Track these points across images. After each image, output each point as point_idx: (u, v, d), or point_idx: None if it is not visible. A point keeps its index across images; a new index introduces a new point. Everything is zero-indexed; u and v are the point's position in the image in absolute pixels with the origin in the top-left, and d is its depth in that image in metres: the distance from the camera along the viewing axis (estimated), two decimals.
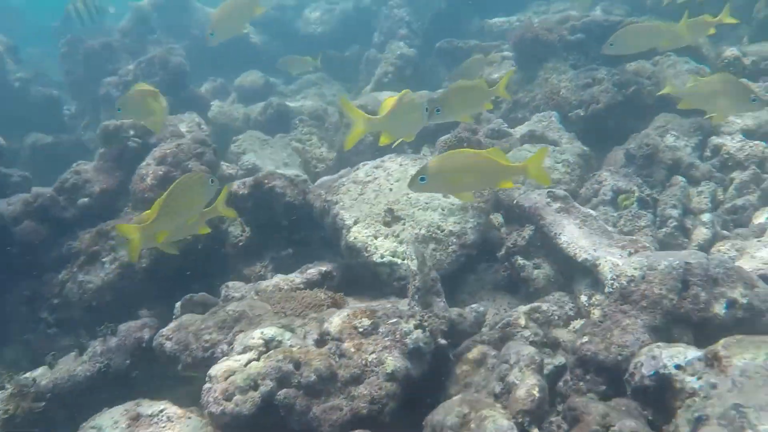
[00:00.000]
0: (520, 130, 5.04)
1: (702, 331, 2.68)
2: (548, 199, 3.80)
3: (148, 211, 2.90)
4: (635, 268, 2.83)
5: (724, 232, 3.78)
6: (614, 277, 2.87)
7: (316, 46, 9.63)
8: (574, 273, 3.51)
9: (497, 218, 4.17)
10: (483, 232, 3.84)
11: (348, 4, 9.74)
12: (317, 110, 7.27)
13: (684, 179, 4.18)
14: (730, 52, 5.41)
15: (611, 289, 2.84)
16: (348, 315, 2.86)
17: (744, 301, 2.67)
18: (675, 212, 3.90)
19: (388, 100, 3.13)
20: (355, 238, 3.70)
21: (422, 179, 2.81)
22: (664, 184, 4.33)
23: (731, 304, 2.67)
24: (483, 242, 3.93)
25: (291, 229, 4.36)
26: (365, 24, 9.51)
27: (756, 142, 4.44)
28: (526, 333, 2.99)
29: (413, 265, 3.13)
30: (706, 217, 3.66)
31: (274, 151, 6.04)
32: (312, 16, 9.76)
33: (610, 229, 3.63)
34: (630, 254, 3.16)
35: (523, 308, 3.20)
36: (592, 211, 3.75)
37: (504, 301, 3.72)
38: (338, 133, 6.14)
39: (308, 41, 9.70)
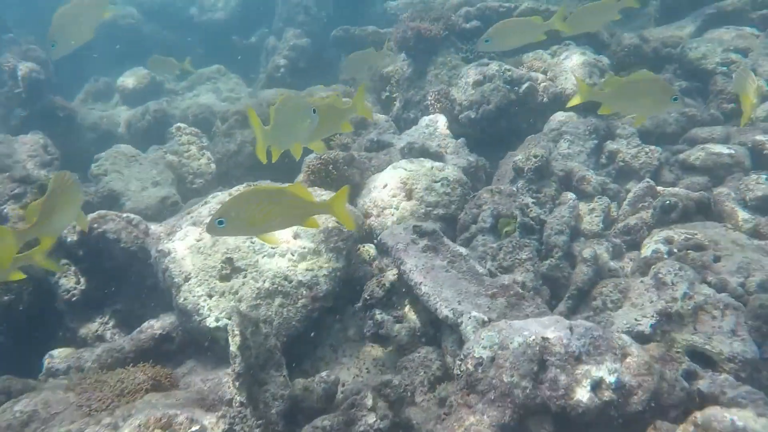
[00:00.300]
0: (402, 140, 4.50)
1: (563, 420, 2.24)
2: (414, 236, 3.29)
3: None
4: (484, 347, 2.34)
5: (611, 264, 3.34)
6: (462, 357, 2.38)
7: (216, 33, 8.89)
8: (441, 325, 3.03)
9: (369, 251, 3.66)
10: (342, 277, 3.31)
11: None
12: (203, 113, 6.60)
13: (574, 197, 3.72)
14: (629, 39, 4.97)
15: (459, 372, 2.35)
16: (139, 426, 2.30)
17: (611, 379, 2.23)
18: (561, 239, 3.44)
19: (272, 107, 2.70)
20: (185, 299, 3.12)
21: (220, 222, 2.33)
22: (555, 200, 3.87)
23: (596, 385, 2.23)
24: (350, 281, 3.43)
25: (136, 277, 3.76)
26: (271, 6, 8.74)
27: (652, 147, 4.02)
28: (371, 419, 2.51)
29: (233, 344, 2.59)
30: (587, 253, 3.20)
31: (142, 169, 5.36)
32: (206, 2, 8.92)
33: (481, 270, 3.14)
34: (484, 323, 2.68)
35: (374, 382, 2.70)
36: (462, 249, 3.25)
37: (370, 357, 3.23)
38: (220, 143, 5.48)
39: (206, 28, 8.92)
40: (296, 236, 3.33)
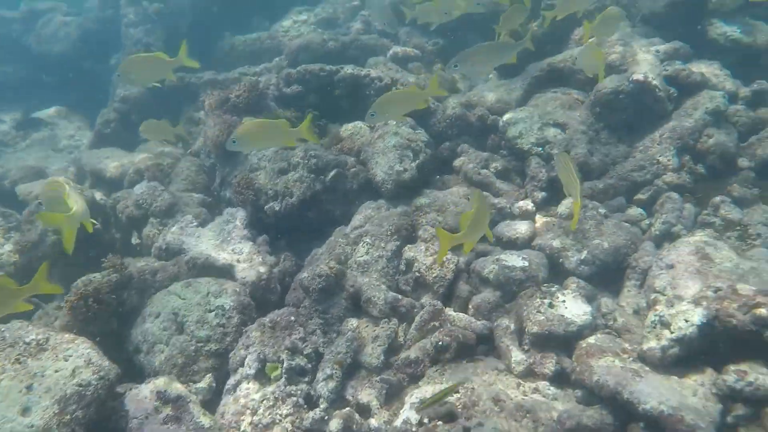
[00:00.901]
0: (193, 245, 4.11)
1: None
2: (156, 403, 2.94)
3: None
4: None
5: (372, 424, 3.07)
6: None
7: (57, 66, 8.15)
8: None
9: None
10: None
11: (88, 16, 8.17)
12: (26, 176, 6.02)
13: (354, 326, 3.44)
14: (453, 109, 4.73)
15: None
16: None
17: None
18: (328, 388, 3.16)
19: None
20: None
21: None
22: (342, 321, 3.59)
23: None
24: None
25: None
26: (115, 38, 8.03)
27: (449, 257, 3.73)
28: None
29: None
30: (334, 427, 2.91)
31: None
32: (45, 32, 8.13)
33: None
34: None
35: None
36: (206, 422, 2.92)
37: None
38: (22, 230, 4.90)
39: (45, 60, 8.14)
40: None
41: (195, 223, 4.39)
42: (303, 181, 4.27)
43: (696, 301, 2.90)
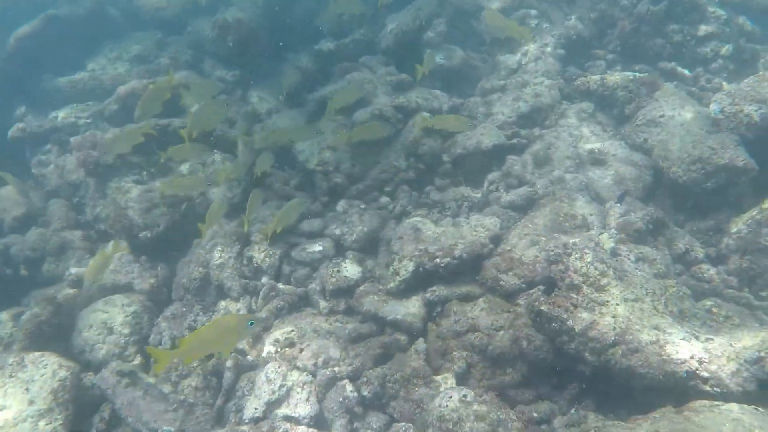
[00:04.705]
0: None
1: None
2: (117, 377, 4.90)
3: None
4: None
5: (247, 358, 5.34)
6: None
7: None
8: None
9: None
10: None
11: None
12: None
13: (224, 305, 5.60)
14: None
15: None
16: None
17: None
18: None
19: None
20: None
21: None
22: (216, 304, 5.73)
23: None
24: None
25: None
26: None
27: (275, 251, 6.00)
28: None
29: None
30: (229, 364, 5.14)
31: None
32: None
33: (166, 391, 4.91)
34: None
35: None
36: (151, 380, 4.97)
37: None
38: None
39: None
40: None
41: (87, 256, 6.14)
42: (165, 214, 6.20)
43: (410, 258, 5.49)
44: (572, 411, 4.43)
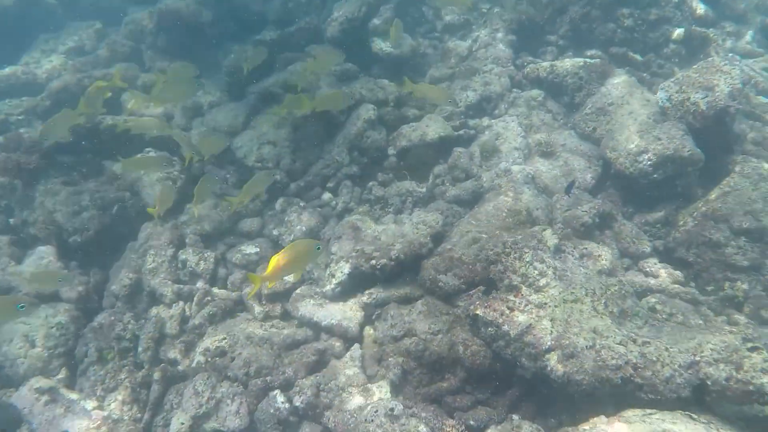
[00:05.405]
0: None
1: None
2: (36, 395, 4.64)
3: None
4: None
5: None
6: None
7: None
8: None
9: None
10: None
11: None
12: None
13: (155, 312, 5.35)
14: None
15: None
16: None
17: None
18: (145, 357, 5.08)
19: None
20: None
21: None
22: (146, 314, 5.48)
23: None
24: None
25: None
26: None
27: (208, 253, 5.74)
28: None
29: None
30: (156, 376, 4.90)
31: None
32: None
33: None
34: None
35: None
36: (73, 397, 4.71)
37: None
38: None
39: None
40: None
41: (13, 263, 5.83)
42: (94, 218, 5.89)
43: (346, 259, 5.27)
44: (505, 420, 4.27)
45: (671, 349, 3.97)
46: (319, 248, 4.24)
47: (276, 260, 4.16)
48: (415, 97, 6.71)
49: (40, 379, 4.81)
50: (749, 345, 3.77)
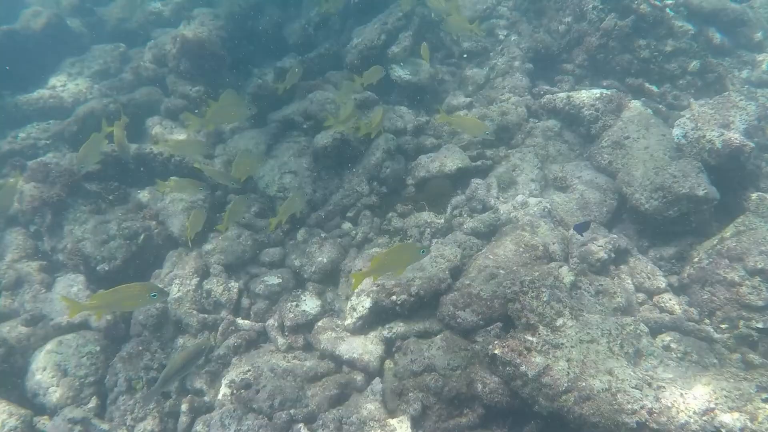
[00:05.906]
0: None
1: None
2: (69, 425, 4.82)
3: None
4: None
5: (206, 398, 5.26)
6: None
7: None
8: None
9: None
10: None
11: None
12: None
13: (181, 342, 5.51)
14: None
15: None
16: None
17: None
18: (172, 387, 5.24)
19: None
20: None
21: None
22: (174, 340, 5.64)
23: None
24: None
25: None
26: None
27: (232, 284, 5.90)
28: None
29: None
30: (184, 407, 5.06)
31: None
32: None
33: None
34: None
35: None
36: (105, 427, 4.89)
37: None
38: None
39: None
40: None
41: (43, 291, 6.01)
42: (122, 247, 6.07)
43: (367, 294, 5.41)
44: None
45: (686, 395, 4.07)
46: (423, 252, 4.50)
47: (379, 258, 4.48)
48: (452, 128, 6.91)
49: (73, 409, 4.98)
50: (764, 395, 3.86)
